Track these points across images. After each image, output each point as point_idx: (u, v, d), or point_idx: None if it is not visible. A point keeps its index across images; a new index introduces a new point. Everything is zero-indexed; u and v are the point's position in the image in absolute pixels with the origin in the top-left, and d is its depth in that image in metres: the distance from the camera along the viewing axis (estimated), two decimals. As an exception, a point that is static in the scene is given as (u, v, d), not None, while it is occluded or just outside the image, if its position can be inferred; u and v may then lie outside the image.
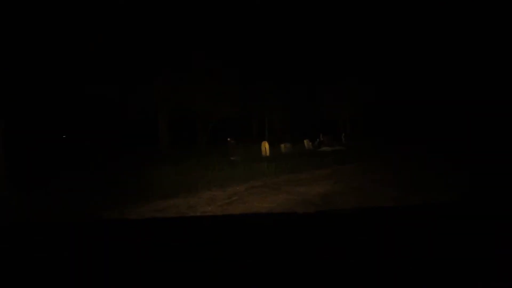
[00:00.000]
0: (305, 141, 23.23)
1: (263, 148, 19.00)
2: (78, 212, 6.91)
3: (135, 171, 12.33)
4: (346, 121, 37.37)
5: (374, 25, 32.54)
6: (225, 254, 1.41)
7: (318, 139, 24.54)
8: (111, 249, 1.50)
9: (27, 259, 1.39)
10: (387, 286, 1.16)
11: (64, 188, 9.12)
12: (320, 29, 34.13)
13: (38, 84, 14.11)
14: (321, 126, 32.39)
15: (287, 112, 37.33)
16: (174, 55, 21.42)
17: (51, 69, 13.35)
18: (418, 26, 29.82)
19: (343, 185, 9.34)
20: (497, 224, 1.62)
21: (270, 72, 33.18)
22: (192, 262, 1.34)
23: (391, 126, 34.53)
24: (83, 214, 6.68)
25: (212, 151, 20.19)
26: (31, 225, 1.98)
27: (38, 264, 1.34)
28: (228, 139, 20.76)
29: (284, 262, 1.31)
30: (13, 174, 10.02)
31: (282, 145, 20.98)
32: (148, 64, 20.47)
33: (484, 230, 1.56)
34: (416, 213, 1.97)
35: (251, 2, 27.44)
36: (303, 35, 34.55)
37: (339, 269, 1.25)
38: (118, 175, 11.29)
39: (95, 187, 9.20)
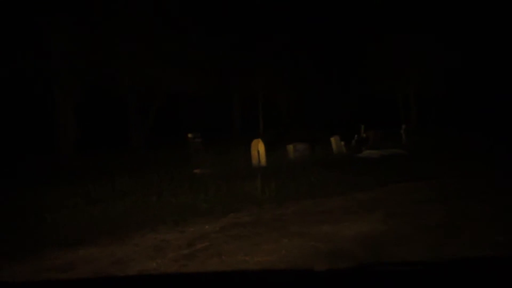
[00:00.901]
0: (333, 140, 23.29)
1: (254, 152, 19.00)
2: None
3: (15, 197, 12.23)
4: (410, 102, 37.59)
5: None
6: None
7: (357, 136, 24.63)
8: None
9: None
10: None
11: None
12: None
13: None
14: (362, 114, 32.49)
15: (300, 88, 37.45)
16: None
17: None
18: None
19: (403, 221, 9.34)
20: None
21: (269, 17, 33.30)
22: None
23: (494, 113, 34.66)
24: None
25: (160, 158, 20.13)
26: None
27: None
28: (189, 135, 20.73)
29: None
30: None
31: (291, 147, 21.00)
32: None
33: None
34: None
35: None
36: None
37: None
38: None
39: None
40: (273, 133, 29.80)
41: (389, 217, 9.74)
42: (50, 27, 21.68)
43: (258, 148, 18.99)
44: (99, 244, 8.45)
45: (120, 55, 23.43)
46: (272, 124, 36.46)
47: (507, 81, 35.86)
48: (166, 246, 8.28)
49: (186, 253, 7.88)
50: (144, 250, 8.12)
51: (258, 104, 37.33)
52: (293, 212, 10.73)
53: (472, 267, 2.08)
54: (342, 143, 23.31)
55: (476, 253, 7.00)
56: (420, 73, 35.54)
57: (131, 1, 23.27)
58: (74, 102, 23.05)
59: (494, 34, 34.74)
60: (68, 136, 22.80)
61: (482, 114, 33.90)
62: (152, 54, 24.08)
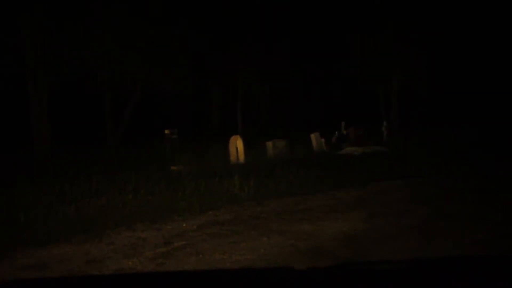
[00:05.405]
0: (313, 136, 23.31)
1: (232, 149, 18.98)
2: None
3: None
4: (392, 98, 37.70)
5: None
6: None
7: (337, 133, 24.67)
8: None
9: None
10: None
11: None
12: None
13: None
14: (343, 110, 32.56)
15: (279, 84, 37.43)
16: None
17: None
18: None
19: (385, 220, 9.41)
20: None
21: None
22: None
23: (477, 110, 34.84)
24: None
25: (136, 155, 20.04)
26: None
27: None
28: (166, 131, 20.65)
29: None
30: None
31: (270, 144, 20.98)
32: None
33: None
34: None
35: None
36: None
37: None
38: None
39: None
40: (251, 130, 29.76)
41: (371, 216, 9.78)
42: (23, 22, 21.50)
43: (237, 145, 18.98)
44: (74, 243, 8.34)
45: (96, 51, 23.26)
46: (251, 121, 36.39)
47: (491, 78, 36.17)
48: (143, 245, 8.23)
49: (162, 251, 7.85)
50: (120, 248, 8.05)
51: (237, 100, 37.23)
52: (272, 210, 10.72)
53: (452, 266, 2.09)
54: (323, 140, 23.32)
55: (458, 252, 7.07)
56: (402, 69, 35.63)
57: None
58: (47, 98, 22.84)
59: (477, 31, 35.09)
60: (43, 132, 22.60)
61: (465, 111, 34.09)
62: (129, 50, 23.91)
